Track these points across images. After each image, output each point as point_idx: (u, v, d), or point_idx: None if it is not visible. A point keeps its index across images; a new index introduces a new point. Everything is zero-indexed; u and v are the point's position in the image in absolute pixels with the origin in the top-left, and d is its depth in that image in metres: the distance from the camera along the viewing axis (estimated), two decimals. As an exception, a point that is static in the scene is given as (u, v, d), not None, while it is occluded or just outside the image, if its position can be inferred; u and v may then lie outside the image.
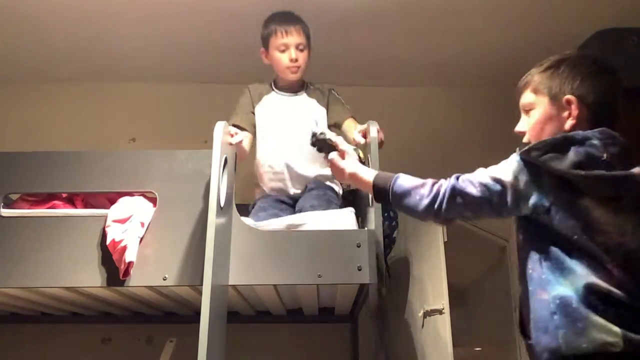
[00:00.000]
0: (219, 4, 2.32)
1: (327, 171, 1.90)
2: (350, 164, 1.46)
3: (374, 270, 1.59)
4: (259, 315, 2.42)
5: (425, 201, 1.22)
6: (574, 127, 1.21)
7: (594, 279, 1.06)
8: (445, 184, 1.22)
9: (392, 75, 2.89)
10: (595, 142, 1.14)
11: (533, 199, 1.14)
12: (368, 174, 1.38)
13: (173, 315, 2.39)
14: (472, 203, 1.19)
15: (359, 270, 1.64)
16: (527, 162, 1.15)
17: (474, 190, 1.18)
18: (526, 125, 1.30)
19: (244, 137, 1.88)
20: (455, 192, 1.20)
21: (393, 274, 2.34)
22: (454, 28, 2.48)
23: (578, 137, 1.15)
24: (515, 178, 1.15)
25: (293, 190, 2.04)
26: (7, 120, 2.85)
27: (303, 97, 2.12)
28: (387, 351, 1.57)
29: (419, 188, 1.25)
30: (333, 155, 1.50)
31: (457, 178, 1.22)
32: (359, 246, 1.66)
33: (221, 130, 1.64)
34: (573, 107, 1.22)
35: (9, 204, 1.76)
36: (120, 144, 2.79)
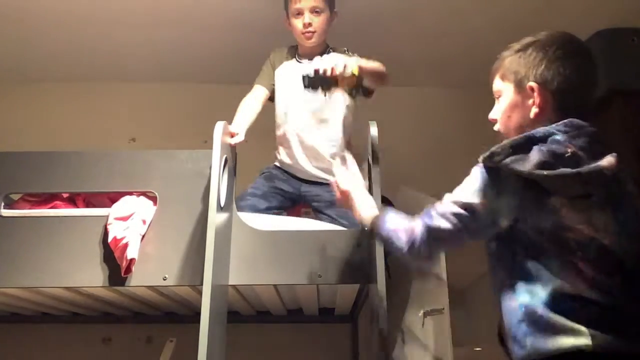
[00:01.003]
0: (218, 8, 2.32)
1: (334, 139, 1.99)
2: (355, 201, 1.41)
3: (374, 270, 1.59)
4: (259, 315, 2.42)
5: (405, 247, 1.19)
6: (538, 116, 1.15)
7: (561, 283, 1.02)
8: (418, 227, 1.17)
9: (392, 75, 2.88)
10: (558, 137, 1.08)
11: (507, 209, 1.09)
12: (367, 212, 1.36)
13: (173, 315, 2.39)
14: (449, 238, 1.15)
15: (359, 270, 1.64)
16: (490, 168, 1.10)
17: (448, 225, 1.13)
18: (497, 113, 1.25)
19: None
20: (430, 232, 1.15)
21: (393, 274, 2.34)
22: (454, 28, 2.48)
23: (539, 134, 1.09)
24: (484, 196, 1.11)
25: (303, 163, 2.01)
26: (7, 120, 2.84)
27: None
28: (387, 351, 1.56)
29: (399, 232, 1.22)
30: (336, 181, 1.46)
31: (429, 215, 1.17)
32: (359, 246, 1.66)
33: (221, 130, 1.64)
34: (536, 94, 1.16)
35: (9, 204, 1.76)
36: (120, 144, 2.79)
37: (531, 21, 2.41)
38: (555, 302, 1.02)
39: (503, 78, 1.23)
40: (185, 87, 2.89)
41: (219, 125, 1.65)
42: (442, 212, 1.15)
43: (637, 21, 2.35)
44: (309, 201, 2.06)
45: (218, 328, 1.51)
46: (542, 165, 1.05)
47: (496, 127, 1.26)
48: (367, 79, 1.66)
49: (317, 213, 2.01)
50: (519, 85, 1.18)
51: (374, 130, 1.77)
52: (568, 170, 1.05)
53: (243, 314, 2.39)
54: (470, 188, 1.13)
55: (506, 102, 1.21)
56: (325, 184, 2.01)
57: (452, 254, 2.09)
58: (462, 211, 1.12)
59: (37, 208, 1.76)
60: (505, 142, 1.10)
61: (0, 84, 2.88)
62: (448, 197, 1.17)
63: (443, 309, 1.99)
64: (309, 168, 2.03)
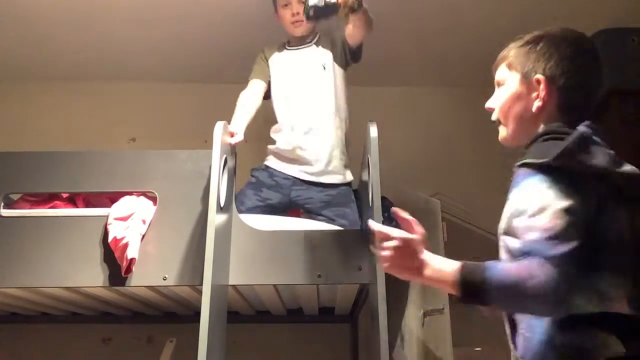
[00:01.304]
0: (219, 6, 2.33)
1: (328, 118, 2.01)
2: (423, 261, 1.11)
3: (374, 270, 1.59)
4: (259, 315, 2.42)
5: (542, 291, 0.93)
6: (540, 110, 1.13)
7: (605, 305, 0.97)
8: (539, 266, 0.93)
9: (392, 75, 2.89)
10: (595, 138, 1.04)
11: (586, 211, 0.97)
12: (446, 267, 1.06)
13: (173, 315, 2.39)
14: (581, 258, 0.94)
15: (359, 270, 1.64)
16: (557, 170, 0.99)
17: (567, 246, 0.93)
18: (496, 101, 1.22)
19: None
20: (563, 264, 0.93)
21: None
22: (454, 28, 2.48)
23: (587, 134, 1.03)
24: (568, 198, 0.96)
25: (305, 145, 2.00)
26: (7, 120, 2.85)
27: (311, 47, 2.13)
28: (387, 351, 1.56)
29: (522, 276, 0.95)
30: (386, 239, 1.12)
31: (541, 247, 0.95)
32: (359, 246, 1.66)
33: (221, 130, 1.64)
34: (542, 87, 1.13)
35: (9, 204, 1.76)
36: (120, 144, 2.79)
37: (530, 21, 2.42)
38: (592, 320, 0.97)
39: (510, 67, 1.20)
40: (185, 87, 2.89)
41: (219, 125, 1.65)
42: (552, 234, 0.95)
43: (637, 21, 2.35)
44: (300, 206, 2.03)
45: (218, 328, 1.51)
46: (611, 163, 1.01)
47: (494, 117, 1.23)
48: (360, 12, 1.80)
49: (312, 216, 1.98)
50: (526, 77, 1.16)
51: (373, 131, 1.77)
52: (635, 169, 1.03)
53: (243, 314, 2.39)
54: (551, 195, 0.98)
55: (509, 92, 1.19)
56: (315, 185, 2.00)
57: (452, 254, 2.09)
58: (568, 219, 0.95)
59: (37, 208, 1.76)
60: (569, 140, 1.01)
61: (0, 84, 2.88)
62: (535, 220, 0.98)
63: (443, 309, 1.99)
64: (310, 150, 1.99)
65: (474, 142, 2.79)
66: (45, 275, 1.62)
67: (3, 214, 1.66)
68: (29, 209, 1.76)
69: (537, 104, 1.14)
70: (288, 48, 2.15)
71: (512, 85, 1.19)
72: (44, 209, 1.76)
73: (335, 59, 2.10)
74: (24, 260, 1.62)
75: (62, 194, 1.83)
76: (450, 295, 1.10)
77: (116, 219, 1.60)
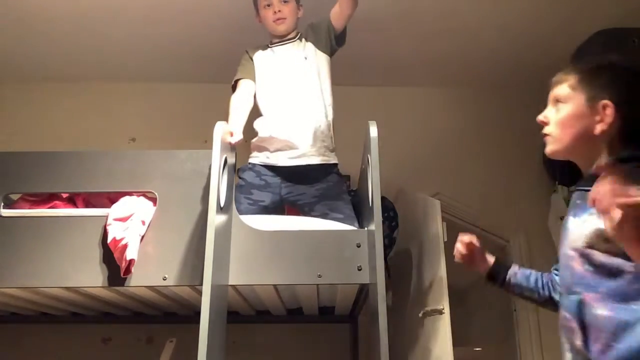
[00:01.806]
0: (218, 7, 2.33)
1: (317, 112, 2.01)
2: None
3: (374, 270, 1.59)
4: (259, 315, 2.42)
5: None
6: (603, 134, 1.18)
7: None
8: None
9: (392, 75, 2.89)
10: None
11: None
12: None
13: (173, 315, 2.39)
14: None
15: (359, 270, 1.64)
16: None
17: None
18: (553, 116, 1.26)
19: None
20: None
21: (393, 274, 2.34)
22: (453, 29, 2.48)
23: None
24: None
25: (297, 132, 2.00)
26: (7, 120, 2.85)
27: (294, 42, 2.16)
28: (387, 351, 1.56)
29: None
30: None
31: None
32: (359, 246, 1.66)
33: (221, 130, 1.63)
34: (608, 112, 1.18)
35: (9, 204, 1.76)
36: (120, 144, 2.79)
37: (531, 22, 2.42)
38: None
39: (574, 87, 1.25)
40: (185, 87, 2.90)
41: (219, 125, 1.64)
42: None
43: (637, 21, 2.35)
44: (292, 203, 2.02)
45: (218, 328, 1.51)
46: None
47: (547, 130, 1.27)
48: None
49: (306, 211, 1.97)
50: (591, 99, 1.21)
51: (373, 130, 1.77)
52: None
53: (243, 314, 2.39)
54: None
55: (570, 110, 1.24)
56: (305, 179, 1.99)
57: (452, 254, 2.09)
58: None
59: (36, 208, 1.76)
60: None
61: (0, 84, 2.88)
62: None
63: (443, 309, 1.99)
64: (294, 133, 1.99)
65: (474, 142, 2.79)
66: (45, 275, 1.61)
67: (3, 214, 1.66)
68: (29, 209, 1.76)
69: (600, 127, 1.19)
70: (271, 46, 2.17)
71: (576, 105, 1.23)
72: (44, 209, 1.76)
73: (318, 46, 2.12)
74: (23, 260, 1.61)
75: (62, 194, 1.82)
76: None
77: (115, 219, 1.60)
